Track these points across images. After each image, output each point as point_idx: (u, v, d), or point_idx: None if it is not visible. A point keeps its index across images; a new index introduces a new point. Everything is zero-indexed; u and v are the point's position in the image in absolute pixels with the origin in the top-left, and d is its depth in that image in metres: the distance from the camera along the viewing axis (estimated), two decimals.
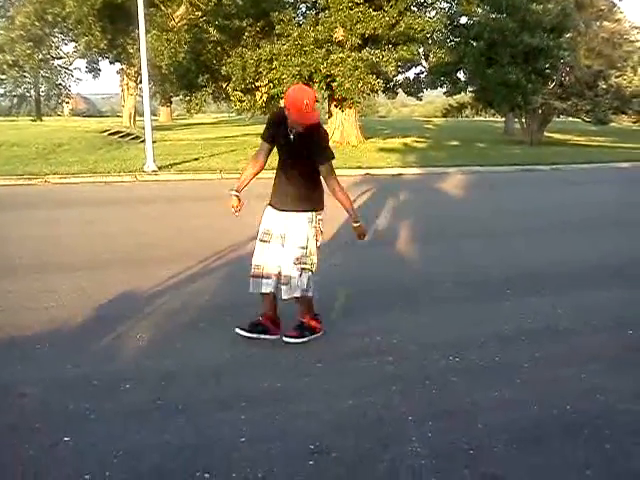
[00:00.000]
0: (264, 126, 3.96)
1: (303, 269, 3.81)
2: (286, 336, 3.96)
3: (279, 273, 3.83)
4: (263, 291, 3.91)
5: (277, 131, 3.79)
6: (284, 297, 3.89)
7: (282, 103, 19.17)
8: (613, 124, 26.90)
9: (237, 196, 3.90)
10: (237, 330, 3.94)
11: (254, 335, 3.93)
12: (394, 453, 2.77)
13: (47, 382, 3.42)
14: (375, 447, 2.82)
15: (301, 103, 3.52)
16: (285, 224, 3.81)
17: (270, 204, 3.91)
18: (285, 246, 3.80)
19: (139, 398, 3.25)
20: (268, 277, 3.85)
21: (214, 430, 2.95)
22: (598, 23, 24.95)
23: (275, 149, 3.90)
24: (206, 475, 2.59)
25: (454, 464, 2.68)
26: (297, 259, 3.78)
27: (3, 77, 30.64)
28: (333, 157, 3.86)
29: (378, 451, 2.78)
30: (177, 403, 3.18)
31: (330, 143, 3.98)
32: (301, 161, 3.79)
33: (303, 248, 3.79)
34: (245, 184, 3.93)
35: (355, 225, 3.91)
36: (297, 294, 3.86)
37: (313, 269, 3.89)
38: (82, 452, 2.74)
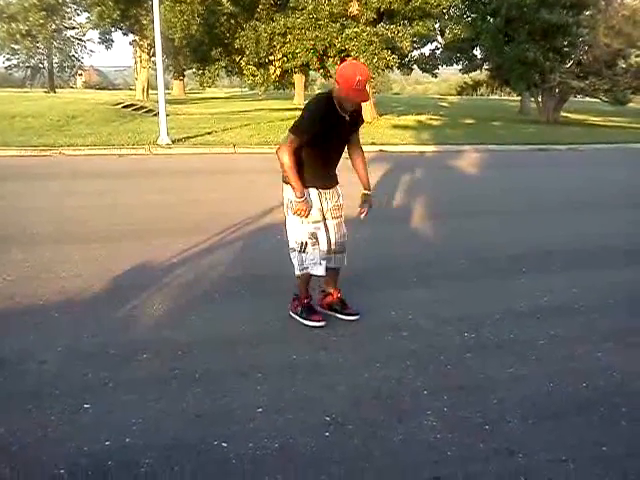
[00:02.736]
0: (305, 120, 3.56)
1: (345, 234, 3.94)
2: (350, 314, 3.97)
3: (342, 243, 3.89)
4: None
5: (328, 122, 3.53)
6: (345, 263, 3.95)
7: (295, 78, 18.98)
8: (631, 104, 26.47)
9: (306, 199, 3.64)
10: (316, 324, 3.86)
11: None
12: (409, 426, 2.79)
13: (65, 350, 3.47)
14: (390, 420, 2.84)
15: (353, 80, 3.35)
16: (330, 198, 3.81)
17: (313, 186, 3.72)
18: (342, 216, 3.87)
19: (156, 368, 3.28)
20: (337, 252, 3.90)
21: (231, 400, 2.98)
22: (619, 0, 24.43)
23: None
24: (223, 444, 2.63)
25: (469, 438, 2.70)
26: (344, 227, 3.90)
27: (17, 47, 30.57)
28: (363, 120, 3.94)
29: (393, 424, 2.80)
30: (194, 373, 3.22)
31: None
32: (346, 140, 3.79)
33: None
34: (302, 184, 3.64)
35: (369, 193, 3.92)
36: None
37: None
38: (102, 419, 2.78)
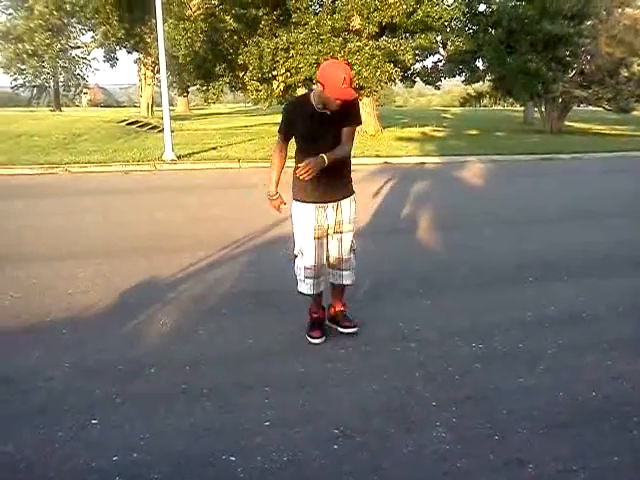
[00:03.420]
0: (281, 119, 3.68)
1: (354, 250, 3.86)
2: (346, 327, 3.90)
3: (339, 260, 3.77)
4: (321, 289, 3.85)
5: (301, 118, 3.55)
6: (348, 282, 3.86)
7: (298, 92, 19.08)
8: (635, 113, 26.46)
9: (279, 196, 3.77)
10: (314, 341, 3.81)
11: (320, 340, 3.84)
12: (419, 438, 2.77)
13: (72, 367, 3.47)
14: (399, 432, 2.82)
15: (338, 78, 3.32)
16: (336, 212, 3.70)
17: (307, 201, 3.65)
18: (343, 232, 3.74)
19: (164, 383, 3.28)
20: (323, 274, 3.81)
21: (239, 414, 2.97)
22: (620, 10, 24.45)
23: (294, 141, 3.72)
24: (232, 458, 2.62)
25: (479, 449, 2.68)
26: (352, 242, 3.81)
27: (23, 67, 30.90)
28: (361, 122, 3.75)
29: (402, 436, 2.79)
30: (202, 388, 3.21)
31: None
32: (337, 140, 3.56)
33: (353, 230, 3.81)
34: (278, 183, 3.75)
35: (320, 160, 3.40)
36: (354, 277, 3.89)
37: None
38: (110, 434, 2.78)
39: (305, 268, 3.73)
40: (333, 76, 3.34)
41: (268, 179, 3.76)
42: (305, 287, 3.79)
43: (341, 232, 3.74)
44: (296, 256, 3.79)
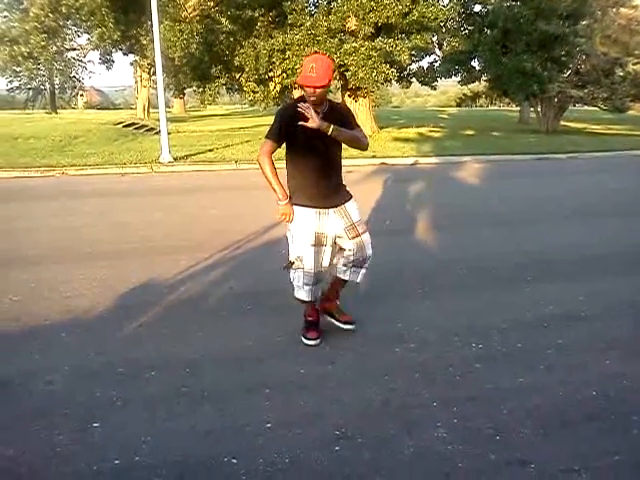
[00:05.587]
0: (273, 123, 3.58)
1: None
2: (346, 322, 3.91)
3: (364, 258, 3.74)
4: (319, 295, 3.85)
5: (294, 120, 3.42)
6: (360, 280, 3.85)
7: (295, 94, 19.10)
8: (631, 112, 26.51)
9: (287, 203, 3.63)
10: (309, 342, 3.79)
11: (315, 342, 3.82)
12: (419, 439, 2.77)
13: (72, 369, 3.46)
14: (400, 433, 2.82)
15: (307, 67, 3.37)
16: (344, 218, 3.65)
17: (307, 206, 3.61)
18: (361, 234, 3.69)
19: (164, 385, 3.28)
20: (321, 280, 3.78)
21: (239, 416, 2.97)
22: (614, 10, 24.52)
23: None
24: (233, 460, 2.62)
25: (480, 449, 2.68)
26: (369, 238, 3.77)
27: (18, 70, 30.85)
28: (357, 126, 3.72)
29: (403, 437, 2.79)
30: (202, 390, 3.21)
31: None
32: (333, 147, 3.58)
33: (367, 230, 3.77)
34: (283, 187, 3.65)
35: (326, 124, 3.40)
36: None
37: None
38: (111, 438, 2.77)
39: (304, 274, 3.69)
40: (304, 65, 3.41)
41: (271, 187, 3.62)
42: (303, 294, 3.76)
43: (359, 234, 3.68)
44: (292, 263, 3.71)
